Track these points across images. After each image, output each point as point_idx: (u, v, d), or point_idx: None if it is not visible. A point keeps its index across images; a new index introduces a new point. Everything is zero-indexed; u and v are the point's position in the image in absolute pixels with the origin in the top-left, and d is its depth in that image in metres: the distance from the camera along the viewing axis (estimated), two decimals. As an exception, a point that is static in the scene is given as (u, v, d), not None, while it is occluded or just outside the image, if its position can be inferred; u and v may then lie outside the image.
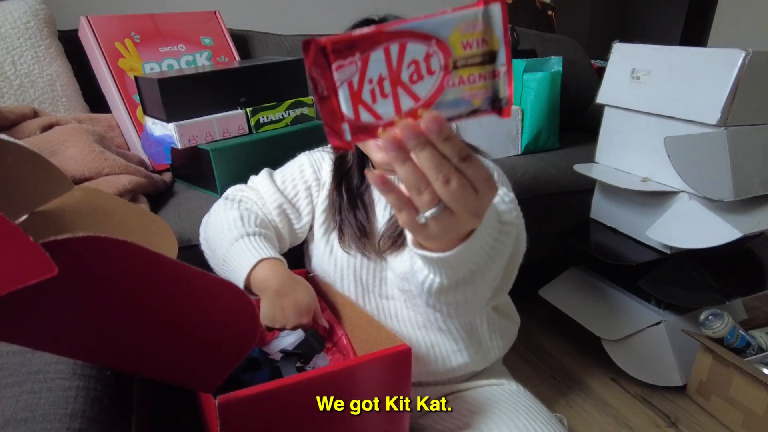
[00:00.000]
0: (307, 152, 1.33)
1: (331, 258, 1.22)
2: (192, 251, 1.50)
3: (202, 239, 1.24)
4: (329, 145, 1.33)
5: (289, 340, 1.20)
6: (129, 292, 0.62)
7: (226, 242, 1.11)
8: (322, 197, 1.26)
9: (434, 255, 0.69)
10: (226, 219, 1.16)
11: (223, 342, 0.76)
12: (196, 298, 0.69)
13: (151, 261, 0.61)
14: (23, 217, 0.91)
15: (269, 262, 1.07)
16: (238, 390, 0.79)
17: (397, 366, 0.92)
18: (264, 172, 1.30)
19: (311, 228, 1.28)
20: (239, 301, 0.72)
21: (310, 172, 1.28)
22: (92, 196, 1.03)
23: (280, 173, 1.31)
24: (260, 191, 1.27)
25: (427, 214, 0.57)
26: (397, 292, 1.19)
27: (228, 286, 0.70)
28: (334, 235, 1.22)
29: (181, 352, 0.73)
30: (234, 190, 1.29)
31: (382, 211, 1.22)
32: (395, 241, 1.15)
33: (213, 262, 1.17)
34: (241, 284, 1.04)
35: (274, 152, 1.80)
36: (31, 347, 0.78)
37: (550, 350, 2.17)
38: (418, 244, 0.70)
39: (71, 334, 0.64)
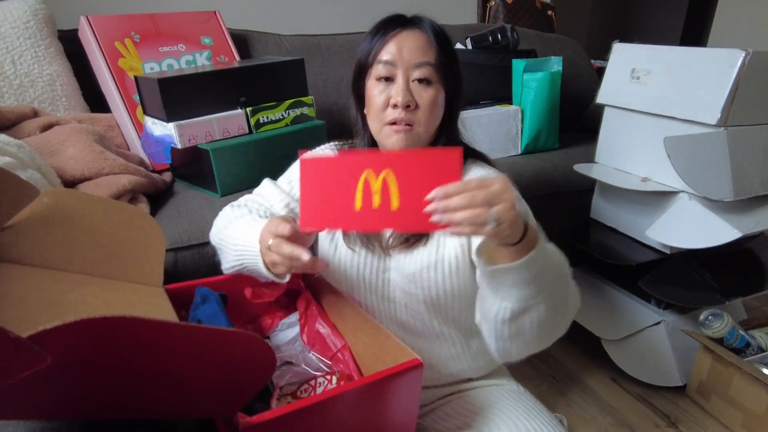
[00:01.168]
0: (309, 152, 1.32)
1: (334, 256, 1.21)
2: (192, 250, 1.50)
3: (213, 242, 1.21)
4: (332, 143, 1.33)
5: (289, 335, 1.19)
6: (134, 362, 0.60)
7: (236, 228, 1.10)
8: None
9: (508, 265, 0.86)
10: (234, 215, 1.16)
11: (238, 383, 0.76)
12: (208, 354, 0.67)
13: (155, 329, 0.58)
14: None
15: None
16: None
17: (409, 380, 0.92)
18: (266, 181, 1.29)
19: None
20: (255, 347, 0.71)
21: None
22: (63, 199, 0.99)
23: (285, 177, 1.30)
24: (266, 195, 1.25)
25: (490, 217, 0.77)
26: (399, 295, 1.18)
27: (241, 336, 0.69)
28: (339, 233, 1.21)
29: (194, 398, 0.72)
30: (239, 200, 1.28)
31: None
32: (407, 239, 1.14)
33: (225, 256, 1.13)
34: (259, 257, 1.00)
35: (274, 152, 1.80)
36: (28, 419, 0.75)
37: (550, 350, 2.14)
38: (491, 261, 0.89)
39: (71, 404, 0.61)
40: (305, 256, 0.92)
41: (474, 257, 0.95)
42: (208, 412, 0.78)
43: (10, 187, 0.90)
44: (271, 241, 0.95)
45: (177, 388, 0.68)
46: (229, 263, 1.11)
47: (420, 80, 1.10)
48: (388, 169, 0.82)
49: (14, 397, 0.53)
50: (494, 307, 0.94)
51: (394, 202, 0.82)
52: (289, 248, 0.93)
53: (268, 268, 1.00)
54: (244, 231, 1.06)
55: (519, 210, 0.80)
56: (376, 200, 0.83)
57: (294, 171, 1.29)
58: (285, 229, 0.94)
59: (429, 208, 0.79)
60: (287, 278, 1.02)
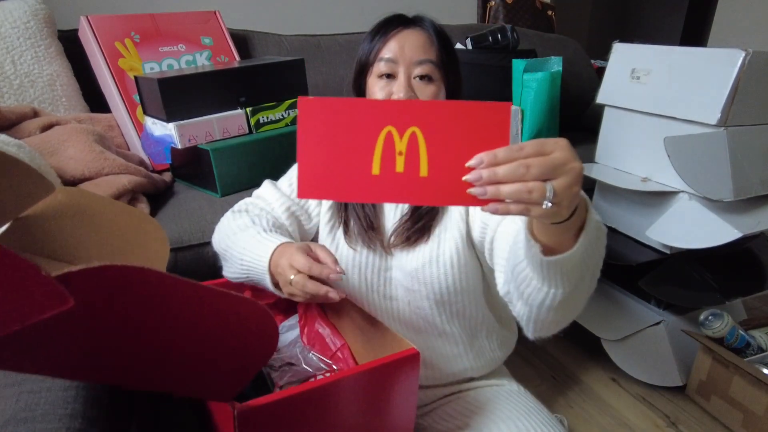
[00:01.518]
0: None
1: (336, 255, 1.21)
2: (192, 251, 1.50)
3: (216, 248, 1.20)
4: None
5: (289, 337, 1.20)
6: (147, 317, 0.61)
7: (242, 241, 1.07)
8: None
9: (567, 254, 0.71)
10: (237, 225, 1.14)
11: (242, 355, 0.76)
12: (215, 317, 0.68)
13: (169, 285, 0.60)
14: (5, 226, 0.89)
15: (285, 245, 1.00)
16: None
17: (406, 370, 0.92)
18: (267, 182, 1.29)
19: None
20: (259, 316, 0.72)
21: None
22: (76, 197, 1.01)
23: (286, 178, 1.30)
24: (266, 198, 1.25)
25: (548, 195, 0.62)
26: (401, 293, 1.18)
27: (247, 302, 0.70)
28: (340, 232, 1.21)
29: (200, 368, 0.73)
30: (239, 204, 1.27)
31: (392, 208, 1.21)
32: (409, 237, 1.15)
33: (230, 266, 1.12)
34: (265, 275, 0.99)
35: (274, 152, 1.80)
36: (42, 374, 0.76)
37: (550, 350, 2.17)
38: (550, 252, 0.73)
39: (86, 360, 0.63)
40: (333, 294, 0.89)
41: (523, 238, 0.77)
42: (209, 389, 0.79)
43: (29, 181, 0.92)
44: (292, 277, 0.91)
45: (185, 353, 0.69)
46: (234, 274, 1.11)
47: (421, 77, 1.11)
48: (416, 127, 0.65)
49: (34, 342, 0.54)
50: (541, 293, 0.80)
51: (423, 168, 0.66)
52: (314, 287, 0.90)
53: (275, 285, 1.00)
54: (252, 246, 1.05)
55: None
56: (400, 164, 0.67)
57: (294, 173, 1.29)
58: (304, 265, 0.91)
59: (469, 177, 0.64)
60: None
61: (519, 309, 0.89)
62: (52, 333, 0.54)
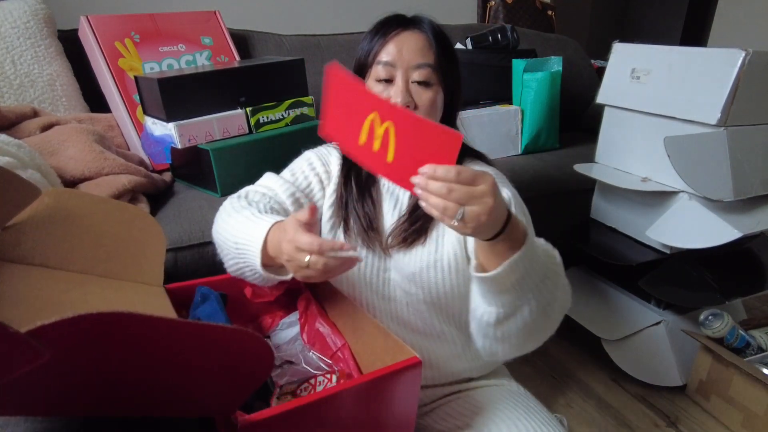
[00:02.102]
0: (311, 149, 1.31)
1: None
2: (193, 250, 1.50)
3: (214, 238, 1.14)
4: (333, 143, 1.33)
5: (289, 334, 1.20)
6: (131, 358, 0.60)
7: (235, 223, 1.03)
8: (329, 192, 1.24)
9: (490, 273, 0.85)
10: (233, 207, 1.10)
11: (237, 381, 0.75)
12: (204, 351, 0.67)
13: (152, 326, 0.58)
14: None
15: (279, 225, 0.96)
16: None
17: (408, 378, 0.92)
18: (268, 174, 1.25)
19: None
20: (252, 343, 0.70)
21: (319, 164, 1.25)
22: (64, 199, 0.99)
23: (288, 170, 1.27)
24: (269, 185, 1.21)
25: (458, 215, 0.77)
26: (400, 294, 1.18)
27: (237, 332, 0.68)
28: (340, 231, 1.21)
29: (192, 395, 0.72)
30: (240, 191, 1.22)
31: (390, 210, 1.21)
32: (405, 238, 1.14)
33: (226, 255, 1.07)
34: (258, 257, 0.95)
35: (274, 152, 1.81)
36: (25, 415, 0.74)
37: (550, 350, 2.17)
38: (480, 268, 0.88)
39: (69, 398, 0.61)
40: (355, 253, 0.87)
41: (470, 255, 0.95)
42: (206, 410, 0.79)
43: (12, 187, 0.89)
44: (308, 259, 0.86)
45: (175, 385, 0.69)
46: (230, 262, 1.05)
47: (419, 82, 1.11)
48: (391, 122, 0.82)
49: (14, 392, 0.53)
50: (479, 309, 0.95)
51: (390, 154, 0.83)
52: (335, 261, 0.86)
53: (264, 267, 0.96)
54: (244, 226, 1.01)
55: (502, 207, 0.81)
56: (376, 144, 0.84)
57: (297, 164, 1.27)
58: (312, 244, 0.85)
59: (414, 179, 0.79)
60: (290, 275, 0.95)
61: (471, 326, 1.03)
62: (32, 382, 0.53)
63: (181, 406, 0.75)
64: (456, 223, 0.77)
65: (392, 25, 1.14)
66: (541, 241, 0.95)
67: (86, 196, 1.03)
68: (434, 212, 0.78)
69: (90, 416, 0.80)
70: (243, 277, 1.05)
